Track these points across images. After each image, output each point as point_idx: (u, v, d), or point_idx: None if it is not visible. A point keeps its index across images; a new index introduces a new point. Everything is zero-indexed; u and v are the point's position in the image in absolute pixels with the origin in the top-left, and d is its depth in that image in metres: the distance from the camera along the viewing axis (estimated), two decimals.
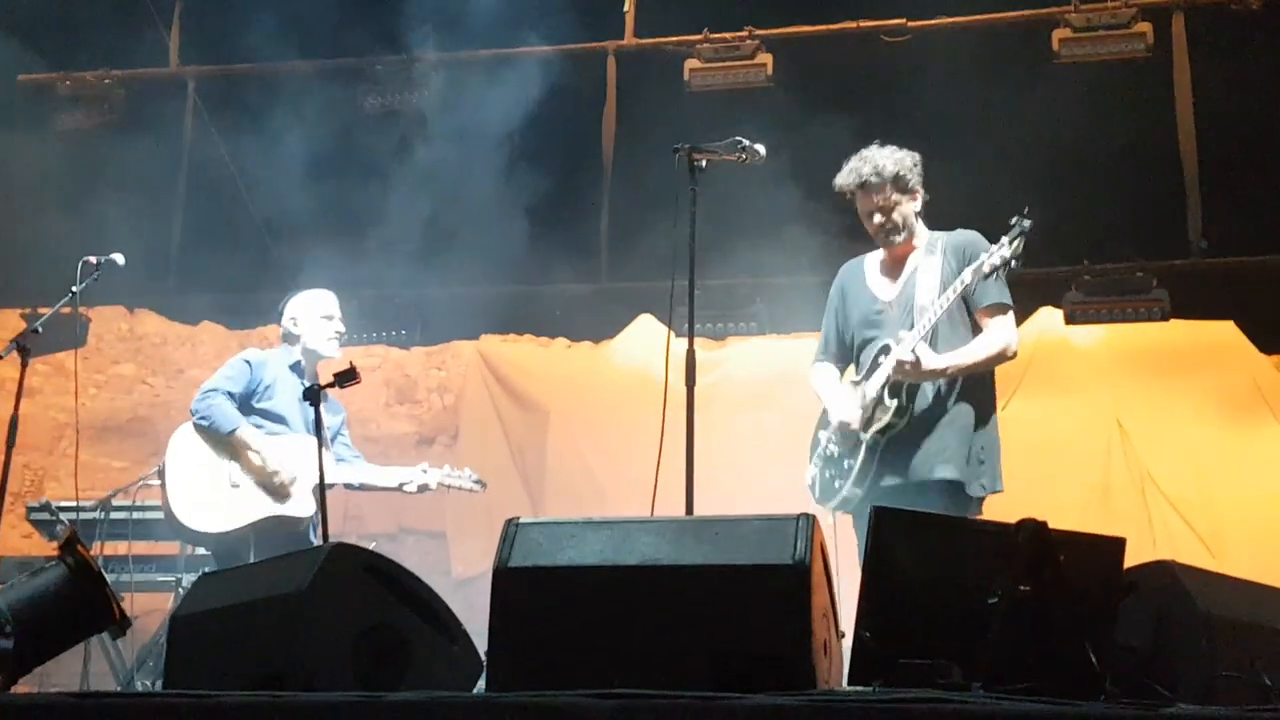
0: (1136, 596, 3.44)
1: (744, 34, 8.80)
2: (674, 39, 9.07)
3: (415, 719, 2.65)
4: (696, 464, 4.48)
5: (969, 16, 8.65)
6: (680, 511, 4.38)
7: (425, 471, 6.09)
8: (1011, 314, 4.91)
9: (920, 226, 5.04)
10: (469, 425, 9.70)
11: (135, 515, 6.78)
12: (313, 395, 5.21)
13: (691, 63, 8.85)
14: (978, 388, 4.89)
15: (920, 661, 2.96)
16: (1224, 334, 8.50)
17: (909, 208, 4.98)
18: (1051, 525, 3.10)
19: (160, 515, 5.93)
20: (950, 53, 8.50)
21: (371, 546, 4.83)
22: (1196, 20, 8.45)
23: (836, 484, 4.92)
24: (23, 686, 3.89)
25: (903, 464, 4.78)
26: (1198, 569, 3.64)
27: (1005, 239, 4.60)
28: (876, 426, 4.80)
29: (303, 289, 6.16)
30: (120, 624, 3.86)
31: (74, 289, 5.85)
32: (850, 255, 5.32)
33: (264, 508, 5.73)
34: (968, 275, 4.68)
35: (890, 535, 3.24)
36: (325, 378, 5.38)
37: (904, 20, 8.69)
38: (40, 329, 5.88)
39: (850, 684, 3.14)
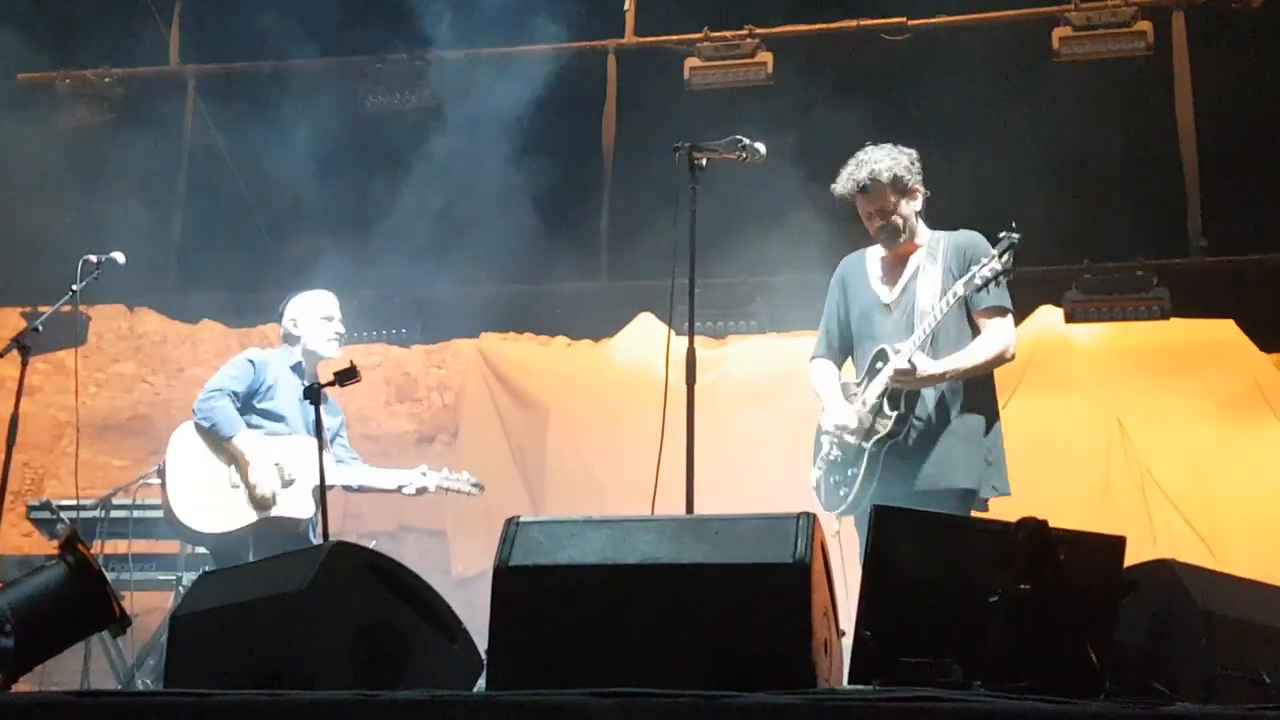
0: (1136, 595, 3.44)
1: (744, 33, 8.80)
2: (674, 38, 9.06)
3: (415, 718, 2.65)
4: (697, 462, 4.48)
5: (969, 15, 8.64)
6: (680, 510, 4.38)
7: (424, 474, 6.10)
8: (1010, 317, 4.91)
9: (921, 226, 5.03)
10: (469, 424, 9.69)
11: (135, 514, 6.77)
12: (313, 394, 5.22)
13: (692, 61, 8.84)
14: (981, 391, 4.89)
15: (920, 660, 2.96)
16: (1224, 332, 8.50)
17: (908, 208, 4.97)
18: (1052, 524, 3.11)
19: (160, 514, 5.94)
20: (950, 52, 8.49)
21: (371, 545, 4.83)
22: (1196, 19, 8.44)
23: (841, 491, 4.91)
24: (23, 685, 3.90)
25: (911, 471, 4.76)
26: (1198, 567, 3.65)
27: (995, 251, 4.61)
28: (877, 436, 4.80)
29: (303, 290, 6.17)
30: (120, 623, 3.86)
31: (74, 287, 5.86)
32: (850, 251, 5.31)
33: (258, 512, 5.75)
34: (960, 288, 4.69)
35: (891, 534, 3.24)
36: (325, 377, 5.38)
37: (904, 19, 8.69)
38: (40, 327, 5.89)
39: (850, 682, 3.15)
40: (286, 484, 5.78)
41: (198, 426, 5.80)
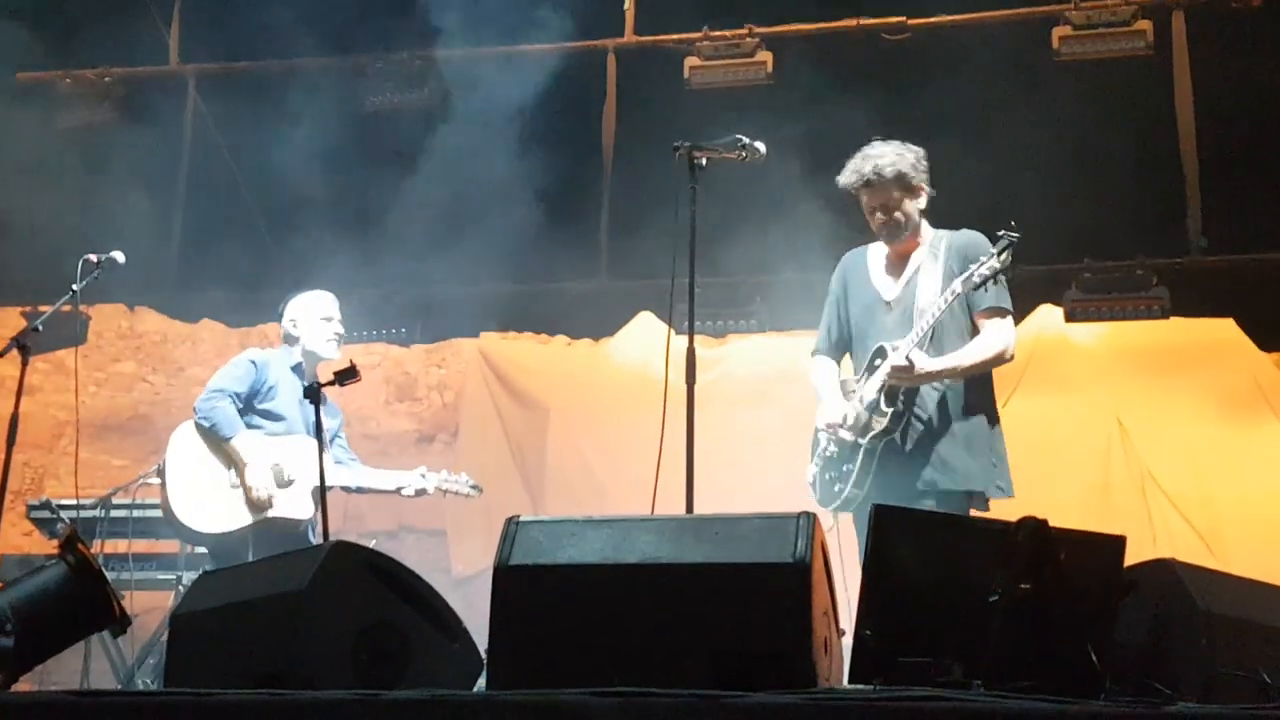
0: (1136, 595, 3.44)
1: (744, 32, 8.79)
2: (674, 37, 9.06)
3: (415, 717, 2.65)
4: (697, 462, 4.48)
5: (969, 15, 8.63)
6: (680, 509, 4.39)
7: (424, 476, 6.11)
8: (1010, 318, 4.90)
9: (925, 225, 5.03)
10: (469, 423, 9.69)
11: (135, 513, 6.77)
12: (313, 393, 5.23)
13: (691, 60, 8.84)
14: (982, 393, 4.89)
15: (921, 660, 2.96)
16: (1224, 332, 8.50)
17: (912, 206, 4.96)
18: (1052, 523, 3.11)
19: (160, 514, 5.94)
20: (950, 51, 8.49)
21: (371, 544, 4.83)
22: (1196, 18, 8.44)
23: (836, 487, 4.91)
24: (23, 684, 3.90)
25: (910, 471, 4.75)
26: (1198, 567, 3.64)
27: (994, 250, 4.61)
28: (873, 433, 4.79)
29: (302, 290, 6.18)
30: (120, 622, 3.86)
31: (74, 287, 5.85)
32: (851, 249, 5.31)
33: (254, 514, 5.75)
34: (958, 286, 4.68)
35: (891, 533, 3.24)
36: (325, 377, 5.39)
37: (904, 18, 8.68)
38: (40, 327, 5.89)
39: (851, 682, 3.15)
40: (285, 485, 5.78)
41: (198, 426, 5.81)
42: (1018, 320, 5.06)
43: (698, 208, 4.76)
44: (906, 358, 4.66)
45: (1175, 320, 8.21)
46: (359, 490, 6.12)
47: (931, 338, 4.79)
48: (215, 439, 5.78)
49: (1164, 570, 3.53)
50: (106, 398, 10.26)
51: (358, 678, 3.36)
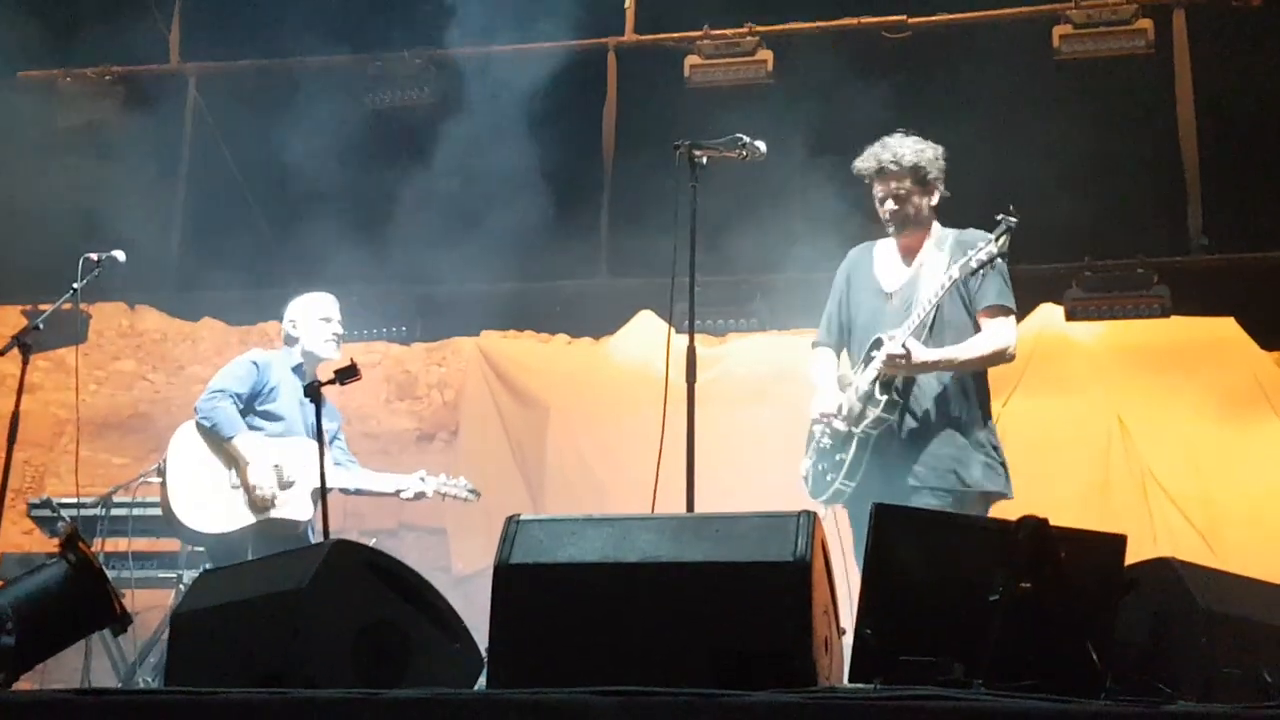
0: (1137, 593, 3.45)
1: (744, 30, 8.78)
2: (674, 35, 9.05)
3: (416, 716, 2.65)
4: (697, 461, 4.49)
5: (970, 13, 8.63)
6: (681, 508, 4.39)
7: (423, 479, 6.14)
8: (1012, 318, 4.90)
9: (935, 224, 5.03)
10: (469, 421, 9.69)
11: (136, 512, 6.78)
12: (313, 392, 5.24)
13: (692, 59, 8.83)
14: (980, 392, 4.89)
15: (921, 659, 2.96)
16: (1225, 330, 8.49)
17: (923, 201, 4.96)
18: (1052, 522, 3.10)
19: (161, 512, 5.94)
20: (951, 50, 8.49)
21: (372, 543, 4.84)
22: (1197, 17, 8.43)
23: (829, 477, 4.90)
24: (24, 683, 3.90)
25: (902, 466, 4.75)
26: (1198, 566, 3.64)
27: (991, 235, 4.61)
28: (866, 421, 4.78)
29: (303, 291, 6.22)
30: (121, 621, 3.87)
31: (75, 285, 5.86)
32: (851, 247, 5.31)
33: (256, 514, 5.75)
34: (955, 270, 4.68)
35: (891, 532, 3.24)
36: (326, 376, 5.40)
37: (905, 17, 8.68)
38: (41, 325, 5.90)
39: (851, 681, 3.14)
40: (286, 486, 5.79)
41: (199, 426, 5.81)
42: (1019, 320, 5.05)
43: (698, 206, 4.76)
44: (903, 345, 4.66)
45: (1176, 319, 8.21)
46: (358, 492, 6.13)
47: (931, 332, 4.79)
48: (216, 439, 5.79)
49: (1164, 569, 3.53)
50: (107, 396, 10.26)
51: (358, 676, 3.36)
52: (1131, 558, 3.32)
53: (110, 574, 4.10)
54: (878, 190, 5.00)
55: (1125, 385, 8.65)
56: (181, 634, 3.74)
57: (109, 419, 10.09)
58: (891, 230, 5.02)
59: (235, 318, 9.86)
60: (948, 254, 4.88)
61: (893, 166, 4.91)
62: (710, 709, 2.53)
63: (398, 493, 6.12)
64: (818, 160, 7.32)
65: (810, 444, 5.07)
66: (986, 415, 4.89)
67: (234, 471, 5.78)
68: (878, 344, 4.79)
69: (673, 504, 4.43)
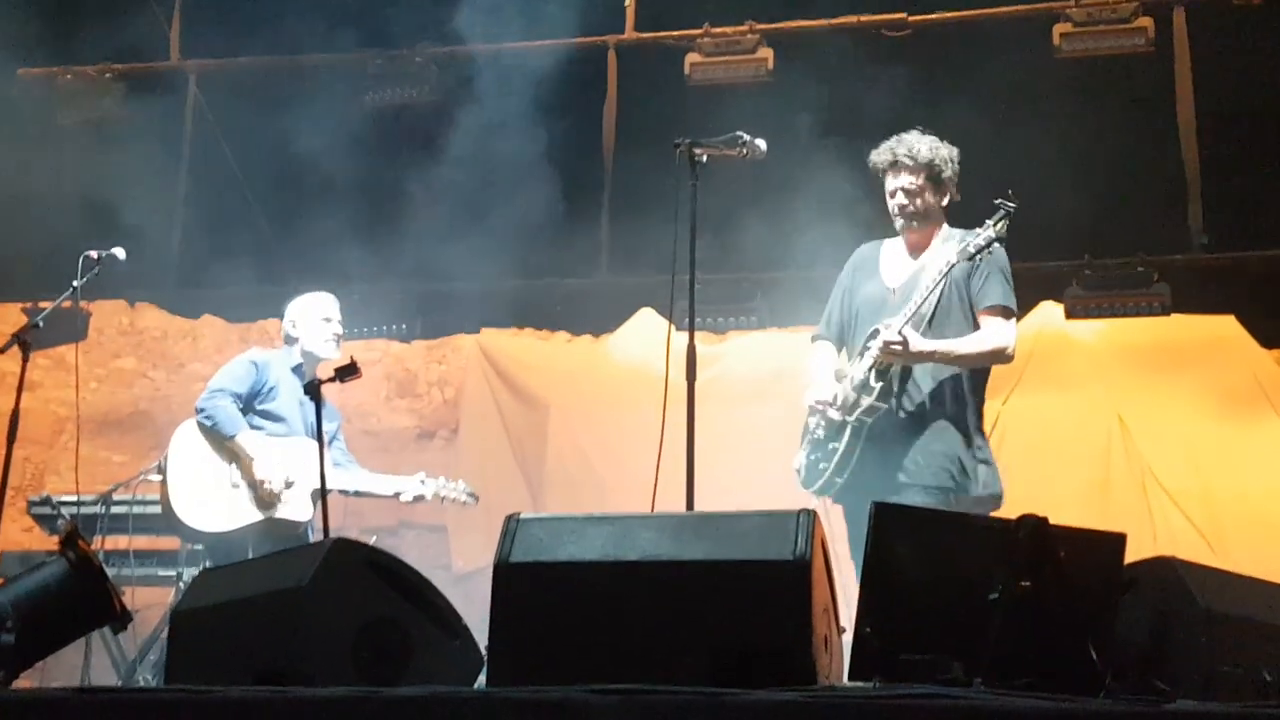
0: (1137, 592, 3.45)
1: (745, 28, 8.78)
2: (675, 33, 9.04)
3: (416, 714, 2.65)
4: (697, 459, 4.48)
5: (970, 11, 8.62)
6: (681, 507, 4.39)
7: (422, 482, 6.15)
8: (1013, 319, 4.90)
9: (945, 225, 5.03)
10: (469, 419, 9.69)
11: (136, 510, 6.77)
12: (313, 390, 5.24)
13: (692, 57, 8.83)
14: (976, 392, 4.90)
15: (921, 657, 2.96)
16: (1225, 329, 8.48)
17: (933, 199, 4.98)
18: (1052, 521, 3.10)
19: (160, 510, 5.94)
20: (951, 48, 8.48)
21: (372, 541, 4.84)
22: (1197, 15, 8.42)
23: (821, 466, 4.90)
24: (24, 681, 3.90)
25: (894, 460, 4.75)
26: (1198, 565, 3.64)
27: (989, 221, 4.62)
28: (860, 410, 4.78)
29: (304, 289, 6.22)
30: (121, 619, 3.87)
31: (75, 283, 5.87)
32: (853, 250, 5.32)
33: (262, 510, 5.76)
34: (953, 255, 4.69)
35: (891, 531, 3.24)
36: (326, 375, 5.40)
37: (905, 15, 8.67)
38: (41, 323, 5.91)
39: (851, 679, 3.15)
40: (286, 486, 5.79)
41: (200, 425, 5.81)
42: (1019, 319, 5.06)
43: (698, 204, 4.76)
44: (900, 333, 4.66)
45: (1176, 317, 8.20)
46: (357, 494, 6.14)
47: (931, 327, 4.80)
48: (217, 437, 5.79)
49: (1164, 568, 3.53)
50: (107, 394, 10.26)
51: (358, 675, 3.36)
52: (1131, 556, 3.32)
53: (110, 572, 4.10)
54: (889, 184, 5.01)
55: (1125, 383, 8.65)
56: (181, 632, 3.75)
57: (109, 416, 10.09)
58: (900, 225, 5.03)
59: (236, 315, 9.85)
60: (952, 250, 4.88)
61: (907, 161, 4.93)
62: (710, 707, 2.53)
63: (397, 495, 6.13)
64: (819, 158, 7.31)
65: (805, 436, 5.07)
66: (980, 417, 4.89)
67: (235, 470, 5.78)
68: (874, 335, 4.79)
69: (673, 502, 4.42)
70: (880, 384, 4.73)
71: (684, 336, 4.76)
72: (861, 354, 4.86)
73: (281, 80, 9.17)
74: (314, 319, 6.08)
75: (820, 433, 4.96)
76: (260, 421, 5.89)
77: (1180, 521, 8.25)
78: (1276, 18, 8.07)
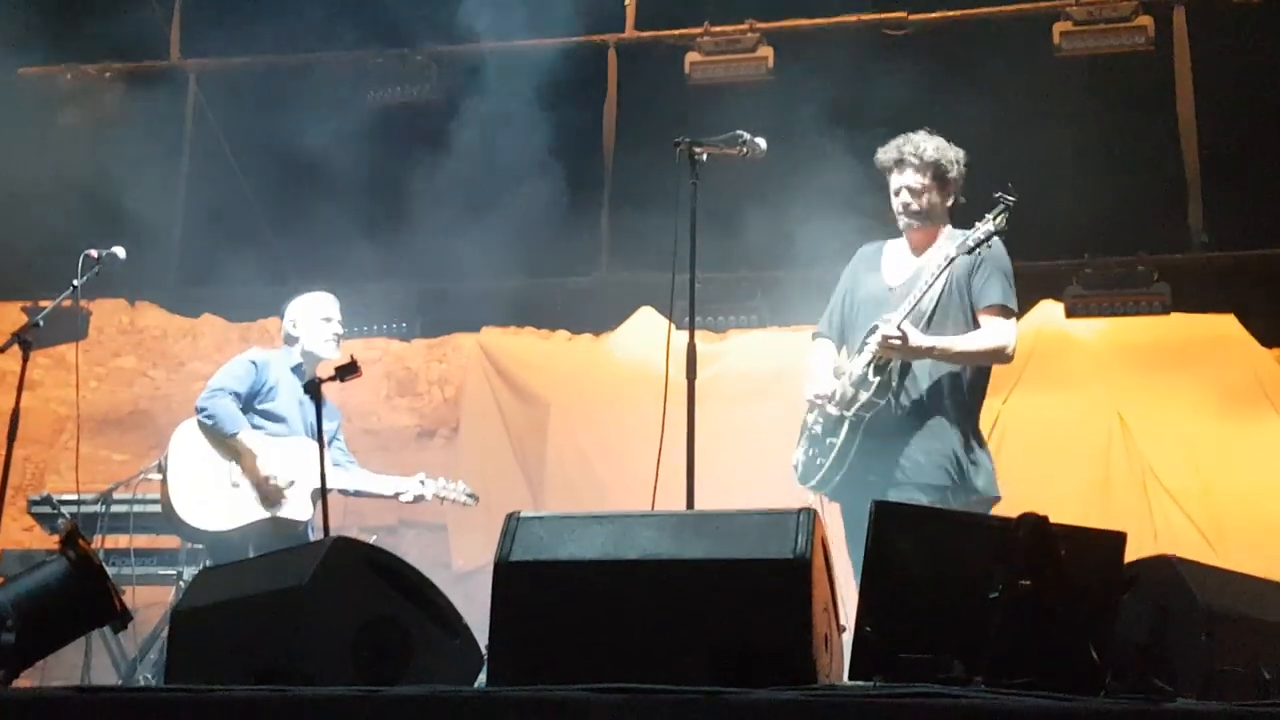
0: (1137, 591, 3.45)
1: (745, 27, 8.78)
2: (675, 32, 9.05)
3: (416, 713, 2.65)
4: (697, 457, 4.48)
5: (970, 9, 8.62)
6: (681, 505, 4.39)
7: (422, 482, 6.16)
8: (1013, 319, 4.90)
9: (948, 226, 5.03)
10: (469, 418, 9.68)
11: (136, 509, 6.77)
12: (313, 389, 5.24)
13: (692, 56, 8.83)
14: (975, 392, 4.90)
15: (921, 656, 2.96)
16: (1225, 327, 8.48)
17: (938, 199, 4.98)
18: (1052, 519, 3.10)
19: (161, 509, 5.94)
20: (951, 46, 8.48)
21: (372, 540, 4.84)
22: (1197, 14, 8.42)
23: (818, 461, 4.90)
24: (24, 680, 3.90)
25: (889, 458, 4.75)
26: (1198, 563, 3.64)
27: (989, 214, 4.63)
28: (858, 405, 4.78)
29: (303, 288, 6.23)
30: (121, 618, 3.87)
31: (75, 282, 5.86)
32: (854, 249, 5.32)
33: (262, 509, 5.76)
34: (952, 249, 4.70)
35: (891, 530, 3.24)
36: (326, 374, 5.39)
37: (905, 14, 8.67)
38: (41, 322, 5.91)
39: (851, 679, 3.14)
40: (286, 486, 5.79)
41: (200, 424, 5.82)
42: (1019, 318, 5.06)
43: (698, 203, 4.76)
44: (899, 328, 4.66)
45: (1176, 316, 8.20)
46: (357, 494, 6.14)
47: (930, 325, 4.79)
48: (218, 436, 5.79)
49: (1164, 566, 3.53)
50: (107, 393, 10.26)
51: (358, 674, 3.36)
52: (1131, 555, 3.32)
53: (110, 571, 4.10)
54: (894, 182, 5.02)
55: (1125, 382, 8.64)
56: (182, 631, 3.75)
57: (109, 415, 10.09)
58: (903, 224, 5.04)
59: (236, 314, 9.85)
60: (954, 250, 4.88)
61: (913, 159, 4.93)
62: (710, 707, 2.53)
63: (397, 495, 6.14)
64: (819, 156, 7.31)
65: (803, 433, 5.08)
66: (978, 418, 4.90)
67: (235, 469, 5.78)
68: (873, 330, 4.80)
69: (673, 501, 4.42)
70: (878, 379, 4.73)
71: (684, 335, 4.76)
72: (860, 350, 4.86)
73: (281, 79, 9.17)
74: (314, 319, 6.08)
75: (818, 428, 4.97)
76: (260, 421, 5.89)
77: (1180, 520, 8.25)
78: (1276, 17, 8.07)
